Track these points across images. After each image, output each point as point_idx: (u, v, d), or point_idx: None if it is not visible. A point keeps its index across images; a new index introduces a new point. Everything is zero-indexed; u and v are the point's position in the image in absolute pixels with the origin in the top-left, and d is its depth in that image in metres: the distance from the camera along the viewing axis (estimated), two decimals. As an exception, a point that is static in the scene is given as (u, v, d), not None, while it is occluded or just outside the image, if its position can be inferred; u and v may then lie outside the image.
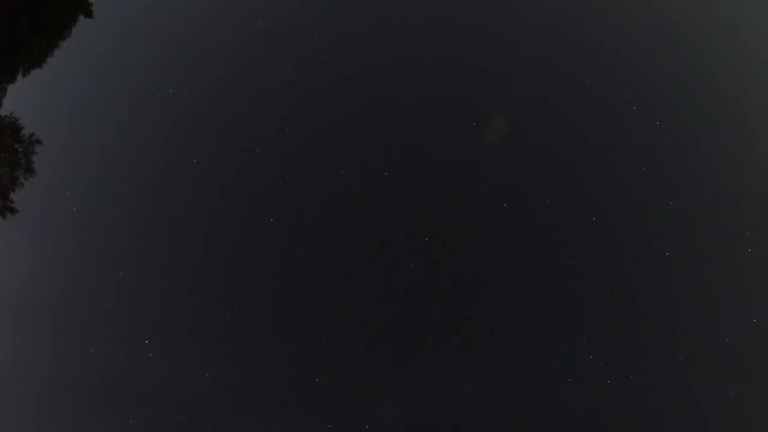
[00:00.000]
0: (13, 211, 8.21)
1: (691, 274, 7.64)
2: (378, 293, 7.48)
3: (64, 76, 9.20)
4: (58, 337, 7.42)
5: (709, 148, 8.53)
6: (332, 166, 8.25)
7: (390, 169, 8.22)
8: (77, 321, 7.51)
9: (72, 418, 7.07)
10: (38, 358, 7.32)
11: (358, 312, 7.39)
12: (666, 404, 6.94)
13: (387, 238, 7.78)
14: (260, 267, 7.72)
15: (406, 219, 7.89)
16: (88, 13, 9.77)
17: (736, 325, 7.34)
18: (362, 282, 7.56)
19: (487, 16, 9.61)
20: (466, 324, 7.32)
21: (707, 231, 7.89)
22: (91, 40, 9.57)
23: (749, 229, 7.90)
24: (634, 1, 9.92)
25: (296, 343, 7.27)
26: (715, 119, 8.78)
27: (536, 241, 7.77)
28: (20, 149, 8.61)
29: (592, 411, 6.93)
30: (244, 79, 9.01)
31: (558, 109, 8.68)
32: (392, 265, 7.63)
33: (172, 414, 7.00)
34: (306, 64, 9.06)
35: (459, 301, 7.43)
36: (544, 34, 9.36)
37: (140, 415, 6.99)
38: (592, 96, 8.86)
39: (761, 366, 7.17)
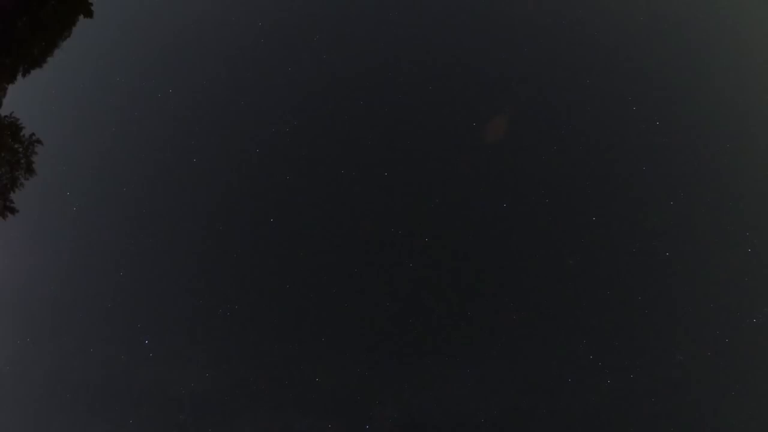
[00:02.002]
0: (13, 211, 8.21)
1: (691, 274, 7.65)
2: (378, 293, 7.49)
3: (64, 76, 9.21)
4: (58, 337, 7.42)
5: (709, 148, 8.53)
6: (332, 166, 8.25)
7: (390, 169, 8.22)
8: (77, 321, 7.52)
9: (72, 418, 7.07)
10: (38, 358, 7.32)
11: (358, 312, 7.39)
12: (666, 404, 6.94)
13: (387, 238, 7.78)
14: (260, 267, 7.72)
15: (406, 219, 7.89)
16: (88, 13, 9.77)
17: (736, 325, 7.35)
18: (362, 282, 7.56)
19: (488, 16, 9.61)
20: (466, 324, 7.32)
21: (707, 231, 7.89)
22: (91, 40, 9.57)
23: (749, 229, 7.91)
24: (634, 1, 9.92)
25: (296, 343, 7.27)
26: (715, 119, 8.78)
27: (536, 241, 7.77)
28: (20, 149, 8.61)
29: (592, 411, 6.94)
30: (244, 79, 9.02)
31: (558, 109, 8.68)
32: (392, 265, 7.63)
33: (172, 414, 7.00)
34: (306, 64, 9.06)
35: (459, 301, 7.43)
36: (544, 34, 9.36)
37: (140, 415, 6.99)
38: (592, 96, 8.86)
39: (761, 366, 7.17)
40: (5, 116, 8.78)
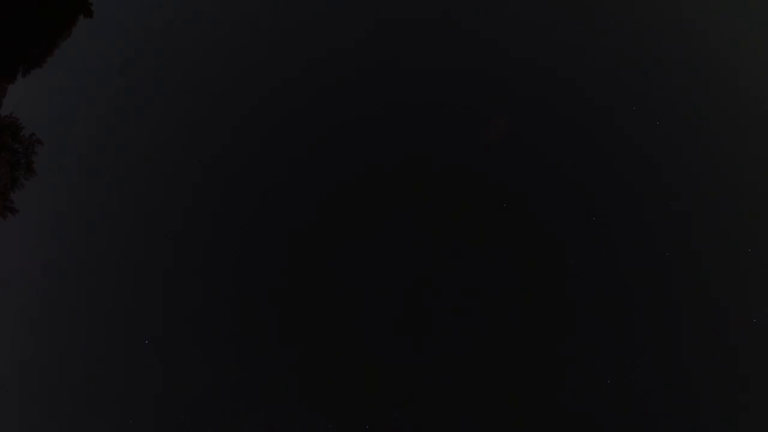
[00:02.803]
0: (13, 211, 8.21)
1: (691, 274, 7.64)
2: (378, 293, 7.49)
3: (64, 76, 9.20)
4: (58, 337, 7.42)
5: (709, 148, 8.53)
6: (332, 166, 8.25)
7: (390, 168, 8.22)
8: (77, 321, 7.51)
9: (72, 418, 7.07)
10: (38, 358, 7.32)
11: (357, 312, 7.39)
12: (666, 404, 6.94)
13: (388, 239, 7.78)
14: (260, 267, 7.72)
15: (406, 220, 7.89)
16: (88, 13, 9.78)
17: (736, 325, 7.35)
18: (362, 282, 7.56)
19: (488, 16, 9.61)
20: (466, 324, 7.32)
21: (707, 231, 7.89)
22: (91, 40, 9.57)
23: (749, 229, 7.90)
24: (635, 1, 9.92)
25: (296, 343, 7.27)
26: (715, 119, 8.78)
27: (536, 241, 7.77)
28: (20, 149, 8.61)
29: (592, 411, 6.93)
30: (245, 79, 9.02)
31: (559, 109, 8.69)
32: (392, 265, 7.63)
33: (172, 414, 7.00)
34: (306, 64, 9.06)
35: (459, 301, 7.43)
36: (545, 34, 9.37)
37: (140, 415, 6.99)
38: (592, 95, 8.86)
39: (761, 366, 7.17)
40: (5, 116, 8.79)
